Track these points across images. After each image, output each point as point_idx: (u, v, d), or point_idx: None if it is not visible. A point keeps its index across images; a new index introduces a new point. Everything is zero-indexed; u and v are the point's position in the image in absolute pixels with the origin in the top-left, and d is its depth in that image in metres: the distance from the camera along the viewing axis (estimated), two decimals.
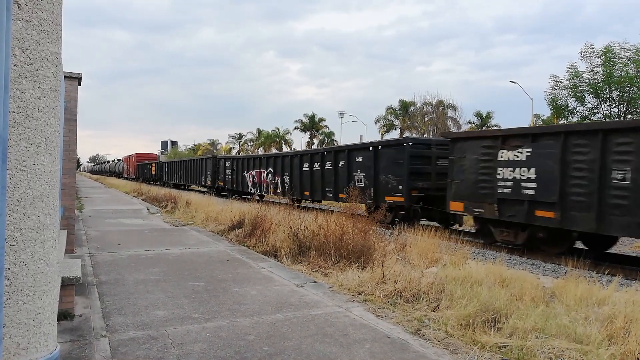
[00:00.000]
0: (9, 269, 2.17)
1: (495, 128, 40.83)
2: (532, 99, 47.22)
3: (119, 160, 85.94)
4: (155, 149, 62.20)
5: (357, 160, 15.53)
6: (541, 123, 39.75)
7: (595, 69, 29.25)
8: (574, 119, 30.59)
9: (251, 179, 24.26)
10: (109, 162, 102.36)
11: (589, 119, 29.43)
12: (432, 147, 13.91)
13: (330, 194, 17.01)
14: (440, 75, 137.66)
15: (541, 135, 9.65)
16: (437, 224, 13.16)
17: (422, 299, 5.04)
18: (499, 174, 10.13)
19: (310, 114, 64.97)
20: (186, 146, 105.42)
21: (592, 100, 30.39)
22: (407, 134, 47.34)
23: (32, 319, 2.26)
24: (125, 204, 19.95)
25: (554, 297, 5.27)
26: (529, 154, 9.59)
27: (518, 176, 9.73)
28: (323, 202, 20.09)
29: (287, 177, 20.07)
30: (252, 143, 78.67)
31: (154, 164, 50.60)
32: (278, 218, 9.63)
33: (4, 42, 1.88)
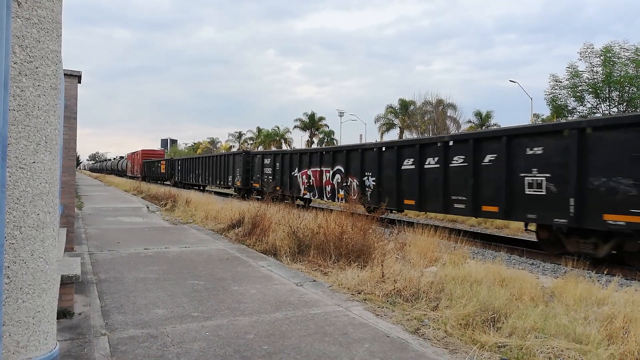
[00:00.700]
0: (8, 267, 2.17)
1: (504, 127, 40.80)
2: (531, 98, 47.32)
3: (121, 157, 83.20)
4: (155, 147, 60.39)
5: (529, 152, 9.58)
6: (541, 122, 39.69)
7: (595, 68, 29.27)
8: (574, 118, 30.61)
9: (305, 180, 18.97)
10: (110, 159, 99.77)
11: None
12: None
13: (462, 205, 11.22)
14: (440, 75, 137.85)
15: None
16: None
17: (422, 298, 5.04)
18: None
19: (310, 113, 65.02)
20: (186, 144, 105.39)
21: (592, 100, 30.43)
22: (406, 133, 47.36)
23: (31, 317, 2.26)
24: (125, 202, 19.94)
25: (554, 297, 5.27)
26: None
27: None
28: (436, 214, 15.75)
29: (371, 179, 14.68)
30: (251, 142, 78.66)
31: (163, 161, 46.35)
32: (277, 217, 9.63)
33: (3, 40, 1.87)
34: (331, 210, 10.14)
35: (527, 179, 9.58)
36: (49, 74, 2.34)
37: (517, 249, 10.22)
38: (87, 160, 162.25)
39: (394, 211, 15.96)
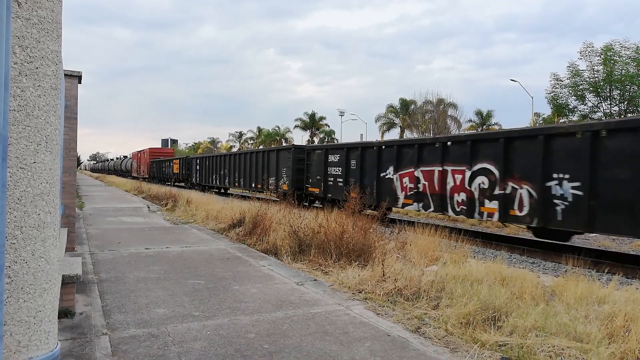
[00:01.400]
0: (9, 267, 2.18)
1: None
2: (532, 97, 47.23)
3: (125, 157, 79.64)
4: (154, 147, 58.45)
5: None
6: (542, 122, 39.68)
7: (596, 67, 29.24)
8: (575, 118, 30.58)
9: (409, 184, 13.37)
10: (112, 159, 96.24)
11: (590, 118, 29.41)
12: None
13: None
14: (441, 74, 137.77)
15: None
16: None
17: (423, 297, 5.05)
18: None
19: (310, 113, 64.99)
20: (186, 144, 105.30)
21: (593, 98, 30.38)
22: (407, 132, 47.32)
23: (32, 317, 2.26)
24: (126, 202, 19.95)
25: (554, 296, 5.27)
26: None
27: None
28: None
29: (571, 185, 8.93)
30: (252, 141, 78.66)
31: (176, 160, 40.60)
32: (278, 216, 9.64)
33: (4, 40, 1.87)
34: (332, 210, 10.13)
35: None
36: (49, 74, 2.34)
37: (517, 248, 10.22)
38: (88, 160, 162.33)
39: (392, 209, 15.51)
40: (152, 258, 7.45)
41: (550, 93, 31.58)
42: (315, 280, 6.15)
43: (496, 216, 10.61)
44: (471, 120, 47.66)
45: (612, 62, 28.30)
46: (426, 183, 12.75)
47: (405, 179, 13.49)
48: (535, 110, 42.46)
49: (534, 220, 9.59)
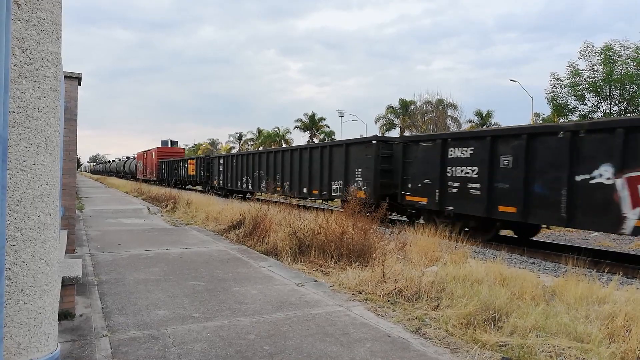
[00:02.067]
0: (9, 268, 2.18)
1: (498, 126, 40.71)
2: (532, 97, 47.29)
3: (128, 158, 74.01)
4: (156, 146, 55.57)
5: None
6: (541, 122, 39.71)
7: (596, 67, 29.27)
8: (574, 118, 30.60)
9: None
10: (114, 160, 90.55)
11: (590, 117, 29.43)
12: None
13: None
14: (441, 74, 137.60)
15: None
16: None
17: (423, 298, 5.04)
18: None
19: (310, 113, 65.08)
20: (186, 145, 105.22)
21: (593, 98, 30.41)
22: (407, 133, 47.34)
23: (32, 319, 2.26)
24: (126, 204, 19.95)
25: (555, 296, 5.27)
26: None
27: None
28: None
29: None
30: (252, 142, 78.69)
31: (192, 160, 35.38)
32: (278, 217, 9.63)
33: (3, 42, 1.88)
34: (332, 210, 10.13)
35: None
36: (49, 76, 2.34)
37: (517, 248, 10.21)
38: (88, 162, 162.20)
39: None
40: (152, 260, 7.45)
41: (550, 93, 31.64)
42: (315, 281, 6.15)
43: None
44: (471, 121, 47.70)
45: (611, 62, 28.34)
46: None
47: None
48: (535, 110, 42.53)
49: None
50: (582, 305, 4.66)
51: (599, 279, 6.06)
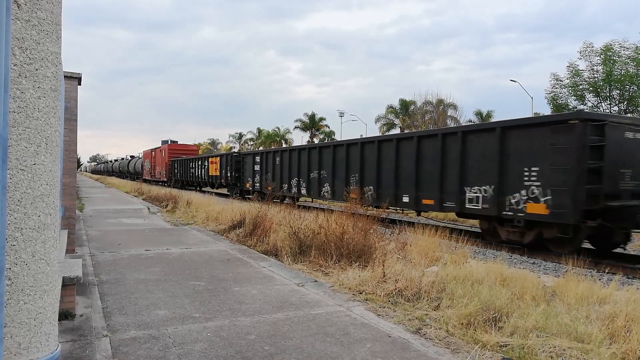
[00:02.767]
0: (10, 268, 2.17)
1: None
2: (532, 97, 47.30)
3: (132, 157, 70.04)
4: (155, 146, 52.22)
5: None
6: None
7: (596, 67, 29.27)
8: None
9: None
10: (116, 160, 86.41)
11: None
12: None
13: None
14: (441, 74, 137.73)
15: None
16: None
17: (423, 298, 5.04)
18: None
19: (310, 114, 65.10)
20: None
21: (593, 98, 30.40)
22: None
23: (33, 319, 2.26)
24: (126, 204, 19.95)
25: (555, 296, 5.27)
26: None
27: None
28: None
29: None
30: (252, 142, 78.70)
31: (214, 159, 30.15)
32: (278, 217, 9.63)
33: (3, 42, 1.87)
34: (331, 210, 10.13)
35: None
36: (49, 76, 2.34)
37: (518, 249, 10.21)
38: (88, 162, 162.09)
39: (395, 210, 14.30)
40: (152, 259, 7.44)
41: (550, 93, 31.62)
42: (315, 281, 6.14)
43: None
44: (471, 121, 47.67)
45: (611, 62, 28.33)
46: None
47: None
48: (535, 110, 42.46)
49: None
50: (583, 305, 4.65)
51: (599, 279, 6.06)
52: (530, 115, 36.43)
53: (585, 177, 8.69)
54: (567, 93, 30.95)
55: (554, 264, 8.88)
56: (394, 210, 15.60)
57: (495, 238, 10.75)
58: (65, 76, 6.67)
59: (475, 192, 10.92)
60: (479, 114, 48.85)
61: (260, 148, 37.98)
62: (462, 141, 11.28)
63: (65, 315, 4.39)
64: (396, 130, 49.37)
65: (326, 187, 17.24)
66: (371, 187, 14.50)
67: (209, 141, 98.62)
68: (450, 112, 44.63)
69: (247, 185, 24.87)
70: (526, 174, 9.68)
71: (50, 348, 2.35)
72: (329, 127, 66.62)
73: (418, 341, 4.00)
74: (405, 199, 13.23)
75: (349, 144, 16.12)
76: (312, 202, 21.66)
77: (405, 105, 49.18)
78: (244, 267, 7.00)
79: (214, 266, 6.99)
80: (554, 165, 9.10)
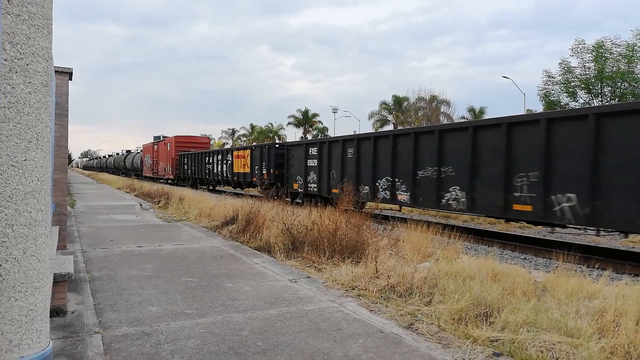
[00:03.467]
0: (0, 265, 2.16)
1: None
2: (524, 94, 47.42)
3: (128, 151, 64.47)
4: (148, 142, 47.72)
5: None
6: None
7: (588, 64, 29.48)
8: None
9: None
10: (110, 155, 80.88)
11: None
12: None
13: None
14: (434, 71, 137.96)
15: None
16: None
17: (415, 294, 5.07)
18: None
19: (303, 110, 65.01)
20: None
21: (584, 95, 30.64)
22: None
23: (24, 316, 2.25)
24: (118, 200, 19.84)
25: (546, 291, 5.32)
26: None
27: None
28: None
29: None
30: (245, 138, 78.49)
31: (244, 152, 23.55)
32: (272, 214, 9.63)
33: None
34: (325, 206, 10.13)
35: None
36: (39, 71, 2.32)
37: (509, 244, 10.29)
38: (79, 157, 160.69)
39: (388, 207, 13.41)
40: (144, 256, 7.42)
41: (542, 90, 31.86)
42: (308, 277, 6.15)
43: None
44: (464, 117, 47.85)
45: (603, 59, 28.55)
46: None
47: None
48: (528, 107, 42.69)
49: None
50: (573, 300, 4.70)
51: (589, 275, 6.12)
52: (523, 111, 36.51)
53: None
54: (559, 90, 31.17)
55: (545, 259, 8.96)
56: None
57: None
58: (56, 71, 6.62)
59: None
60: (471, 110, 49.02)
61: (320, 137, 30.68)
62: None
63: (56, 312, 4.37)
64: (389, 127, 49.41)
65: (454, 193, 11.20)
66: (567, 197, 8.74)
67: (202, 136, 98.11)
68: (443, 108, 44.78)
69: (295, 186, 18.40)
70: None
71: (41, 345, 2.35)
72: (322, 123, 66.65)
73: (410, 336, 4.03)
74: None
75: (517, 124, 9.84)
76: (399, 210, 15.52)
77: (398, 101, 49.24)
78: (236, 263, 7.00)
79: (207, 262, 6.98)
80: None
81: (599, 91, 29.74)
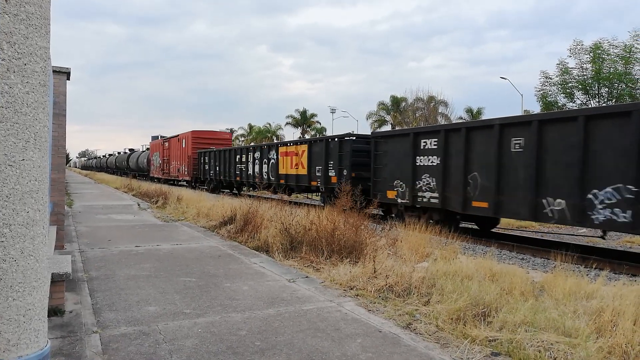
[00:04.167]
0: None
1: None
2: (522, 95, 47.63)
3: (132, 150, 58.08)
4: (146, 142, 44.90)
5: None
6: None
7: (585, 65, 29.54)
8: None
9: None
10: (110, 154, 76.07)
11: None
12: None
13: None
14: (432, 71, 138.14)
15: None
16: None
17: (413, 294, 5.08)
18: None
19: (302, 110, 65.01)
20: None
21: (582, 96, 30.69)
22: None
23: (22, 315, 2.24)
24: (116, 200, 19.81)
25: (543, 291, 5.33)
26: None
27: None
28: None
29: None
30: (242, 138, 78.42)
31: (297, 147, 18.54)
32: (270, 214, 9.63)
33: None
34: (322, 206, 10.12)
35: None
36: (37, 71, 2.31)
37: (507, 244, 10.30)
38: (77, 157, 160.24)
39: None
40: (142, 255, 7.41)
41: (539, 91, 31.90)
42: (306, 277, 6.16)
43: None
44: (462, 118, 47.90)
45: (600, 60, 28.61)
46: None
47: None
48: (526, 108, 42.83)
49: None
50: (571, 300, 4.71)
51: (587, 275, 6.14)
52: (520, 111, 36.67)
53: None
54: (556, 90, 31.23)
55: (543, 259, 8.98)
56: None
57: None
58: (54, 71, 6.61)
59: None
60: (469, 110, 49.10)
61: (468, 120, 22.89)
62: None
63: (54, 311, 4.36)
64: (388, 127, 49.32)
65: None
66: None
67: None
68: (441, 109, 44.81)
69: (391, 194, 13.09)
70: None
71: (39, 344, 2.34)
72: (320, 124, 66.63)
73: (408, 336, 4.03)
74: None
75: None
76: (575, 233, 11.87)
77: (396, 102, 49.26)
78: (235, 263, 6.99)
79: (205, 262, 6.98)
80: None
81: (596, 92, 29.81)
